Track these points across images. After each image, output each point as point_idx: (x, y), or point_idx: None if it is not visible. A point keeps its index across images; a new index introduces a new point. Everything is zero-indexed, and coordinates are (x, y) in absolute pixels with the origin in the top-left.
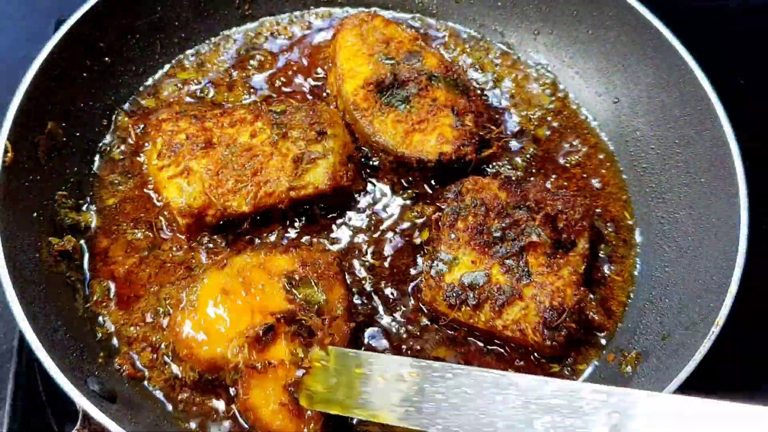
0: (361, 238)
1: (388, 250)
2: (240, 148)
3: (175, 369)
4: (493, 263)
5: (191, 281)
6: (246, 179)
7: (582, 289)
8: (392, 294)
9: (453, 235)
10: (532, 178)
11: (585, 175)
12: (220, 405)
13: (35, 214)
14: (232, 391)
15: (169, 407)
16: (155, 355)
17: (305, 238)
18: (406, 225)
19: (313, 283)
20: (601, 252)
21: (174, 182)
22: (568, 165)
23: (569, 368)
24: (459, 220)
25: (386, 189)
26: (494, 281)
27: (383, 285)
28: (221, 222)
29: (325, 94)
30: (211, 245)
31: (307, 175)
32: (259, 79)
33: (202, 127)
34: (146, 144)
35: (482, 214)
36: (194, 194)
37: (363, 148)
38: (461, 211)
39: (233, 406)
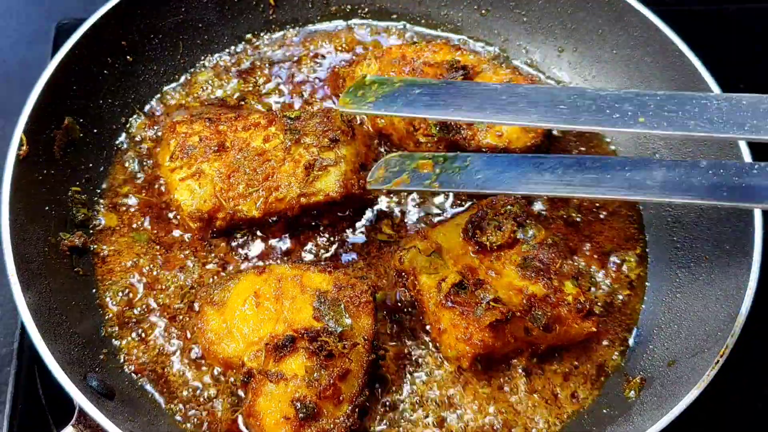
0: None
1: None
2: (253, 152)
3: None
4: None
5: (225, 279)
6: (257, 184)
7: None
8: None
9: None
10: None
11: None
12: (218, 406)
13: (47, 208)
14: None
15: (168, 406)
16: (159, 353)
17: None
18: None
19: (342, 307)
20: (611, 276)
21: (185, 184)
22: None
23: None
24: None
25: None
26: None
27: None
28: (231, 226)
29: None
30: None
31: (318, 182)
32: (277, 85)
33: (216, 131)
34: (161, 145)
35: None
36: (204, 197)
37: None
38: None
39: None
